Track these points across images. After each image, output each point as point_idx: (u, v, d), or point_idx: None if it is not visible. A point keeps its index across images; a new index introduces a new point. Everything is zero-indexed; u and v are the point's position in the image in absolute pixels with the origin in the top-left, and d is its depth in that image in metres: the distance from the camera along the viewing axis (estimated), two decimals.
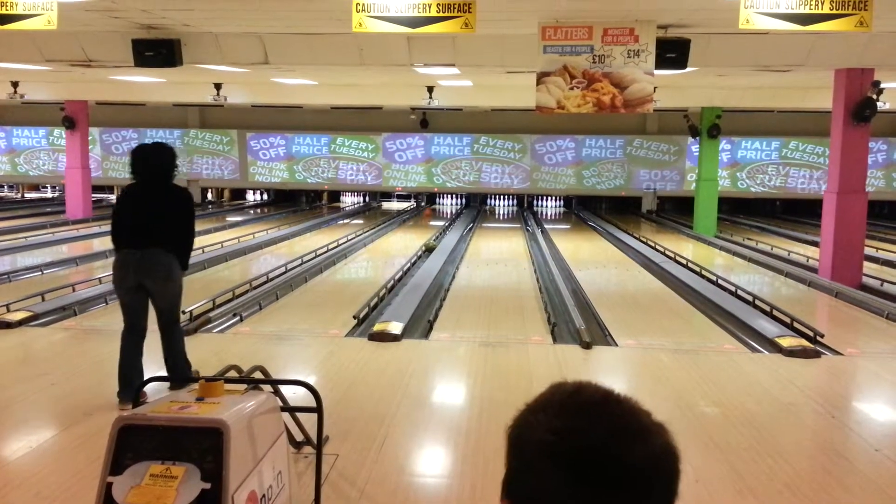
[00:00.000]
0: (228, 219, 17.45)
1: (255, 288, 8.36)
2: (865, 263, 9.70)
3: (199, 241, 12.42)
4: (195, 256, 10.96)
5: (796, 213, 19.05)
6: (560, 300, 8.07)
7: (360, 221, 17.21)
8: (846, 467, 4.00)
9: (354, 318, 6.95)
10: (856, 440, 4.42)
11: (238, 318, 7.03)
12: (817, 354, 6.01)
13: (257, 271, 9.51)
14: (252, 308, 7.43)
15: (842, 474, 3.90)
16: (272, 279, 8.96)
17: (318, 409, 2.94)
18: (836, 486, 3.74)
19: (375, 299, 7.82)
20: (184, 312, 6.63)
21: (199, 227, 16.15)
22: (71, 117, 15.60)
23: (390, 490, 3.52)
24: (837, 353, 6.19)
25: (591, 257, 11.97)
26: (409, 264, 10.50)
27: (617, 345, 6.39)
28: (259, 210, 20.29)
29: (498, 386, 5.18)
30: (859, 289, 8.91)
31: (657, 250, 12.40)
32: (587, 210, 20.06)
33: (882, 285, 9.05)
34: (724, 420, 4.56)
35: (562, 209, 21.01)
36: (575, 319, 6.94)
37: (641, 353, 6.14)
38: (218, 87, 13.42)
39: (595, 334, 6.58)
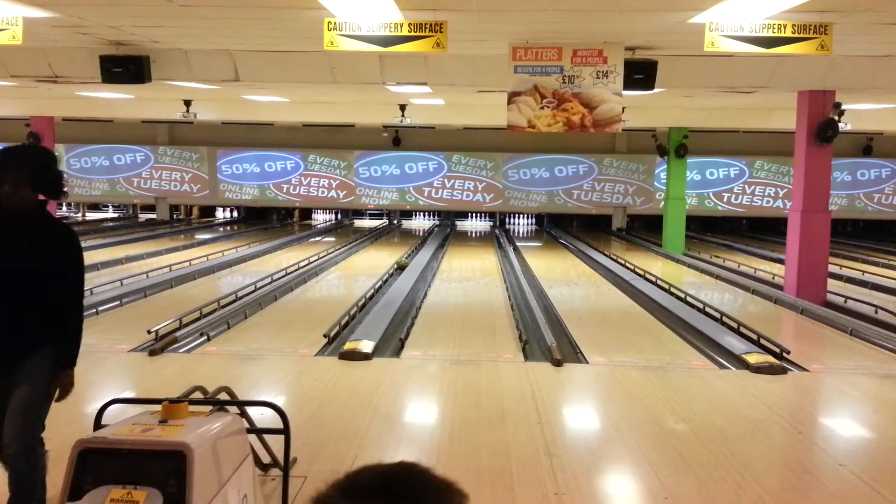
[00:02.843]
0: (197, 236, 17.23)
1: (224, 307, 8.24)
2: (830, 280, 9.89)
3: (167, 259, 12.40)
4: (159, 276, 10.92)
5: (762, 230, 19.40)
6: (531, 318, 8.09)
7: (332, 239, 17.12)
8: (812, 483, 4.04)
9: (325, 336, 6.88)
10: (821, 456, 4.48)
11: (205, 337, 6.91)
12: (784, 371, 6.09)
13: (226, 290, 9.39)
14: (220, 327, 7.32)
15: (808, 490, 3.94)
16: (241, 297, 8.85)
17: (285, 431, 2.90)
18: (802, 502, 3.77)
19: (346, 318, 7.76)
20: (149, 332, 6.54)
21: (167, 244, 16.02)
22: (37, 133, 15.33)
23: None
24: (803, 369, 6.28)
25: (562, 275, 12.04)
26: (380, 282, 10.45)
27: (588, 362, 6.41)
28: (229, 227, 20.08)
29: (469, 404, 5.16)
30: (824, 306, 9.08)
31: (627, 268, 12.53)
32: (559, 228, 20.22)
33: (846, 302, 9.23)
34: (693, 436, 4.58)
35: (534, 227, 21.15)
36: (546, 337, 6.96)
37: (612, 370, 6.17)
38: (188, 103, 13.31)
39: (566, 352, 6.60)
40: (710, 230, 19.62)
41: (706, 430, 4.70)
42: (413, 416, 5.11)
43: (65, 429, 4.21)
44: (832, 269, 10.56)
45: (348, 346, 6.40)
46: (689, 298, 9.48)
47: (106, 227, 19.07)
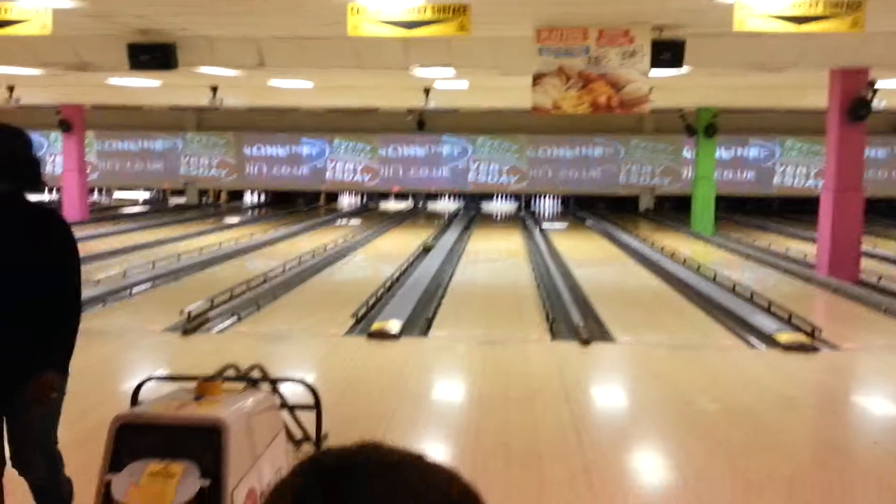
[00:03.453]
0: (226, 220, 17.44)
1: (253, 288, 8.35)
2: (863, 259, 9.72)
3: (197, 243, 12.58)
4: (190, 259, 11.11)
5: (794, 210, 19.08)
6: (558, 298, 8.08)
7: (358, 222, 17.21)
8: (845, 461, 4.01)
9: (353, 316, 6.95)
10: (854, 434, 4.43)
11: (236, 317, 7.03)
12: (815, 350, 6.02)
13: (255, 272, 9.50)
14: (250, 308, 7.43)
15: (840, 468, 3.91)
16: (270, 279, 8.96)
17: (316, 407, 2.95)
18: (835, 480, 3.75)
19: (374, 298, 7.82)
20: (182, 313, 6.65)
21: (196, 228, 16.26)
22: (67, 121, 15.58)
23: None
24: (835, 348, 6.20)
25: (589, 255, 11.97)
26: (406, 264, 10.50)
27: (615, 341, 6.40)
28: (256, 211, 20.27)
29: (497, 383, 5.18)
30: (857, 284, 8.93)
31: (655, 248, 12.42)
32: (585, 209, 20.08)
33: (879, 280, 9.06)
34: (724, 416, 4.56)
35: (560, 209, 21.03)
36: (573, 317, 6.95)
37: (640, 349, 6.14)
38: (214, 90, 13.40)
39: (593, 331, 6.58)
40: (741, 210, 19.33)
41: (736, 409, 4.67)
42: (441, 395, 5.15)
43: (102, 406, 4.32)
44: (866, 247, 10.37)
45: (376, 326, 6.45)
46: (718, 278, 9.38)
47: (137, 212, 19.39)
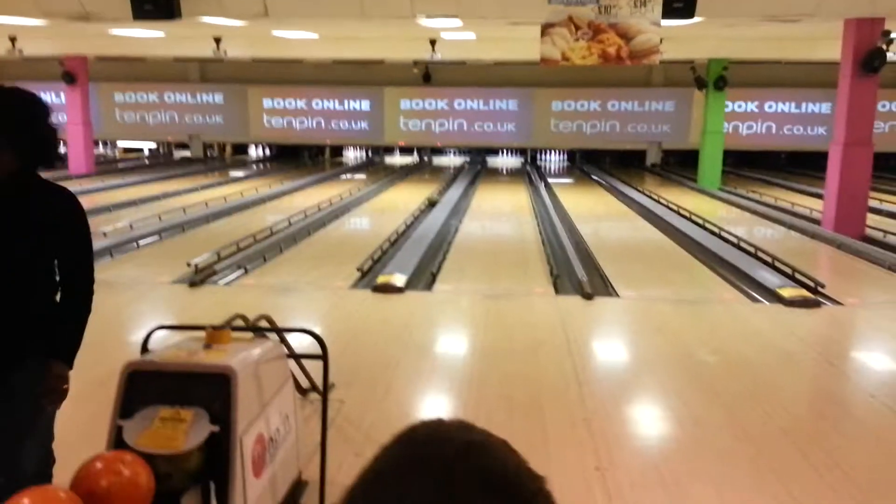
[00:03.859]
0: (231, 174, 17.42)
1: (260, 241, 8.40)
2: (869, 215, 9.68)
3: (203, 196, 12.61)
4: (196, 212, 11.13)
5: (802, 165, 18.91)
6: (563, 253, 8.10)
7: (363, 176, 17.16)
8: (841, 413, 4.08)
9: (358, 270, 7.00)
10: (852, 387, 4.49)
11: (243, 270, 7.09)
12: (818, 304, 6.05)
13: (261, 225, 9.53)
14: (256, 261, 7.48)
15: (837, 419, 3.98)
16: (276, 233, 9.00)
17: (323, 357, 3.00)
18: (831, 431, 3.81)
19: (379, 252, 7.86)
20: (189, 265, 6.71)
21: (202, 181, 16.27)
22: (70, 72, 15.45)
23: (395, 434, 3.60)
24: (838, 303, 6.23)
25: (594, 211, 11.95)
26: (411, 218, 10.51)
27: (619, 296, 6.44)
28: (261, 165, 20.22)
29: (500, 336, 5.25)
30: (863, 240, 8.91)
31: (661, 203, 12.38)
32: (591, 164, 19.95)
33: (885, 237, 9.04)
34: (724, 368, 4.62)
35: (566, 163, 20.89)
36: (577, 271, 6.98)
37: (643, 303, 6.19)
38: (218, 41, 13.23)
39: (597, 286, 6.62)
40: (748, 165, 19.17)
41: (736, 361, 4.73)
42: (445, 347, 5.22)
43: (112, 355, 4.40)
44: (872, 203, 10.32)
45: (381, 279, 6.51)
46: (723, 233, 9.37)
47: (143, 165, 19.36)
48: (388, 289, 6.32)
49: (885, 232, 9.26)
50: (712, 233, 9.54)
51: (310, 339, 3.13)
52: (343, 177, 17.09)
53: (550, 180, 16.35)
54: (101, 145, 21.44)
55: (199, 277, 6.55)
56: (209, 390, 2.41)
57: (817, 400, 4.33)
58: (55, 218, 2.22)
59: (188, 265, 6.76)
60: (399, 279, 6.53)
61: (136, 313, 5.64)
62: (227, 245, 7.81)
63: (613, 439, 3.56)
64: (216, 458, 2.33)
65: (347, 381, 4.21)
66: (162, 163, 20.05)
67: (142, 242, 8.34)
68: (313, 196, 12.87)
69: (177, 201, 11.71)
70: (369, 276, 6.91)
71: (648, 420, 4.01)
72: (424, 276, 7.00)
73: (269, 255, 7.77)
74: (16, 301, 2.21)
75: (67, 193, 2.28)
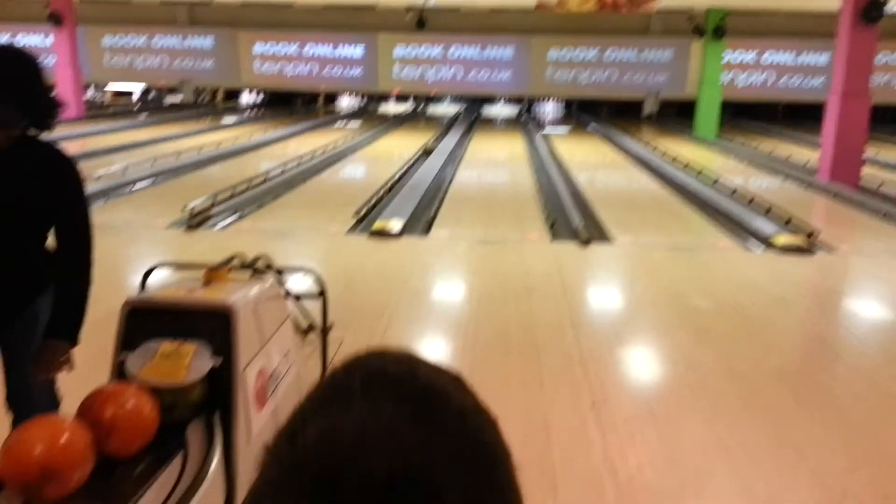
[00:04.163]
0: (223, 120, 17.20)
1: (254, 187, 8.35)
2: (865, 167, 9.67)
3: (195, 141, 12.48)
4: (189, 157, 11.03)
5: (799, 116, 18.80)
6: (558, 201, 8.10)
7: (357, 124, 16.98)
8: (831, 356, 4.15)
9: (354, 216, 6.99)
10: (843, 332, 4.56)
11: (238, 215, 7.07)
12: (811, 252, 6.10)
13: (255, 171, 9.47)
14: (252, 206, 7.46)
15: (827, 362, 4.05)
16: (271, 179, 8.94)
17: (322, 296, 3.02)
18: (821, 373, 3.89)
19: (375, 198, 7.83)
20: (184, 209, 6.68)
21: (194, 127, 16.07)
22: (57, 14, 15.07)
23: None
24: (832, 251, 6.28)
25: (590, 160, 11.91)
26: (407, 166, 10.45)
27: (614, 243, 6.46)
28: (254, 111, 19.95)
29: (496, 281, 5.28)
30: (857, 190, 8.94)
31: (657, 153, 12.33)
32: (588, 113, 19.78)
33: (880, 187, 9.06)
34: (717, 313, 4.68)
35: (562, 113, 20.71)
36: (573, 219, 6.99)
37: (637, 250, 6.22)
38: None
39: (593, 233, 6.64)
40: (745, 115, 19.04)
41: (730, 307, 4.79)
42: (442, 291, 5.25)
43: (111, 294, 4.40)
44: (868, 153, 10.30)
45: (377, 224, 6.50)
46: (719, 182, 9.37)
47: (133, 110, 19.08)
48: (384, 234, 6.32)
49: (881, 182, 9.28)
50: (708, 182, 9.53)
51: (307, 281, 3.15)
52: (337, 124, 16.91)
53: (546, 130, 16.22)
54: (90, 90, 21.06)
55: (195, 221, 6.53)
56: (210, 326, 2.43)
57: (809, 344, 4.40)
58: (54, 181, 2.10)
59: (183, 209, 6.73)
60: (395, 225, 6.53)
61: (133, 255, 5.64)
62: (222, 190, 7.77)
63: (607, 379, 3.62)
64: (219, 391, 2.37)
65: (345, 322, 4.24)
66: (153, 108, 19.76)
67: (136, 187, 8.28)
68: (307, 143, 12.74)
69: (169, 146, 11.58)
70: (365, 222, 6.90)
71: (642, 361, 4.07)
72: (420, 223, 7.00)
73: (264, 201, 7.74)
74: (17, 251, 2.15)
75: (63, 156, 2.13)
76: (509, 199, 8.47)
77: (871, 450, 2.99)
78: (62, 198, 2.11)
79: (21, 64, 1.99)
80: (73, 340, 2.18)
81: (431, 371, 0.52)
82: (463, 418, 0.49)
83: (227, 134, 13.50)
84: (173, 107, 19.92)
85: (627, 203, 8.46)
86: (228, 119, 17.47)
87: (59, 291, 2.17)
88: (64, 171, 2.11)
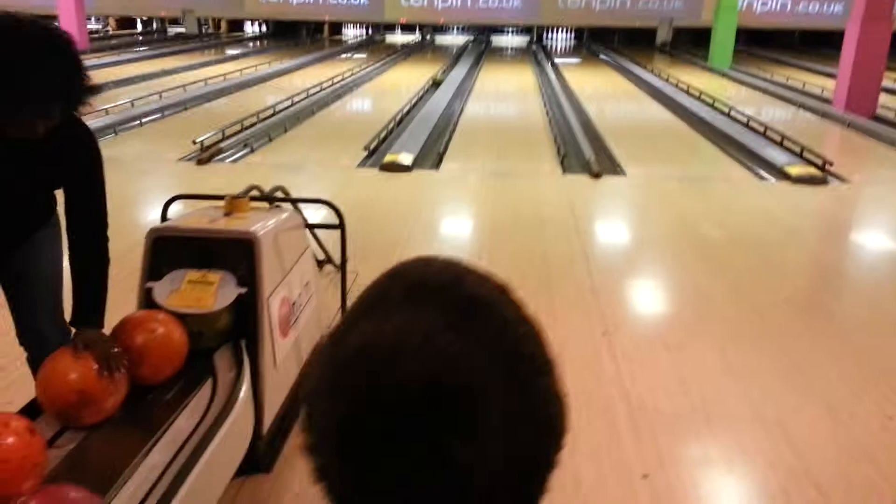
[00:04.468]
0: (228, 51, 16.91)
1: (263, 120, 8.29)
2: (882, 95, 9.50)
3: (201, 74, 12.31)
4: (196, 90, 10.88)
5: (815, 44, 18.33)
6: (570, 133, 8.02)
7: (364, 55, 16.67)
8: (843, 284, 4.20)
9: (365, 149, 6.96)
10: (854, 260, 4.60)
11: (249, 149, 7.05)
12: (825, 182, 6.07)
13: (263, 104, 9.38)
14: (262, 140, 7.43)
15: (838, 290, 4.11)
16: (279, 112, 8.87)
17: (341, 226, 3.06)
18: (831, 301, 3.95)
19: (384, 132, 7.78)
20: (195, 142, 6.68)
21: (198, 59, 15.80)
22: None
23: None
24: (845, 181, 6.24)
25: (602, 91, 11.72)
26: (416, 98, 10.32)
27: (626, 174, 6.44)
28: (258, 43, 19.58)
29: (508, 213, 5.29)
30: (873, 120, 8.80)
31: (670, 83, 12.11)
32: (599, 43, 19.32)
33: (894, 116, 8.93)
34: (729, 242, 4.70)
35: (573, 42, 20.24)
36: (584, 151, 6.95)
37: (650, 181, 6.21)
38: None
39: (604, 165, 6.61)
40: (761, 44, 18.57)
41: (742, 236, 4.81)
42: (454, 223, 5.29)
43: (129, 227, 4.46)
44: (886, 83, 10.10)
45: (388, 158, 6.48)
46: (732, 112, 9.24)
47: (137, 41, 18.76)
48: (395, 167, 6.31)
49: None
50: (722, 112, 9.40)
51: (322, 213, 3.18)
52: (343, 56, 16.61)
53: (557, 60, 15.90)
54: (92, 21, 20.68)
55: (206, 155, 6.53)
56: (234, 255, 2.47)
57: (820, 273, 4.44)
58: (76, 154, 2.00)
59: (194, 143, 6.71)
60: (406, 158, 6.51)
61: (147, 188, 5.68)
62: (231, 123, 7.72)
63: (619, 307, 3.69)
64: (244, 319, 2.43)
65: (360, 255, 4.28)
66: (156, 39, 19.42)
67: (144, 120, 8.24)
68: (314, 75, 12.56)
69: (175, 79, 11.44)
70: (376, 156, 6.88)
71: (653, 290, 4.12)
72: (431, 156, 6.97)
73: (273, 134, 7.70)
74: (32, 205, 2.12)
75: (86, 130, 2.02)
76: (520, 132, 8.40)
77: (878, 375, 3.06)
78: (83, 178, 2.04)
79: (66, 59, 1.78)
80: (101, 325, 2.10)
81: (476, 280, 0.52)
82: (504, 329, 0.50)
83: (233, 66, 13.31)
84: (177, 38, 19.56)
85: (639, 134, 8.37)
86: (233, 51, 17.18)
87: (80, 276, 2.08)
88: (88, 153, 2.03)
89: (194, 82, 10.98)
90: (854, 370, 3.09)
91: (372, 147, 7.08)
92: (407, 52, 17.45)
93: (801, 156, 6.88)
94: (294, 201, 3.26)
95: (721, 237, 4.80)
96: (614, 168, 6.65)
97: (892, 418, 2.75)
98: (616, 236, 5.04)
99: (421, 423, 0.44)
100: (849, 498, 2.30)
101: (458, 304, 0.49)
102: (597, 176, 6.19)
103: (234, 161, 6.70)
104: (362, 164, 6.68)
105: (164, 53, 15.48)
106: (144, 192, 5.50)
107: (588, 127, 8.42)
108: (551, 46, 19.45)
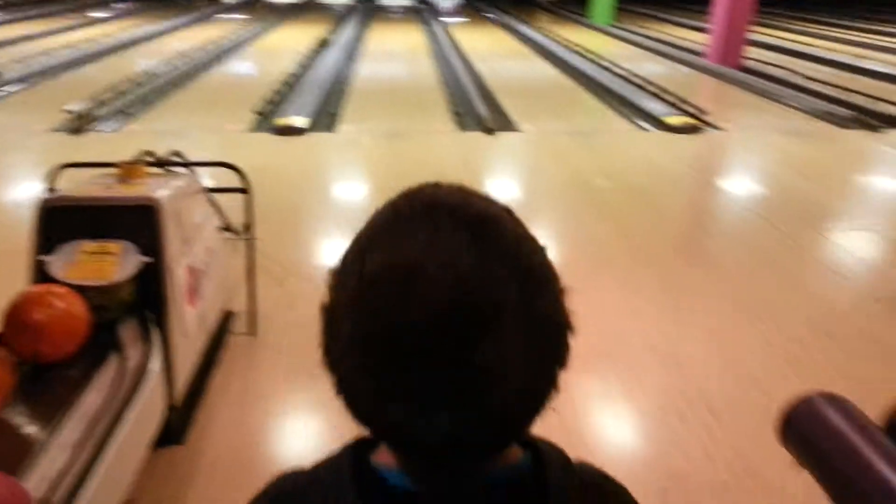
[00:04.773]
0: (91, 14, 15.75)
1: (141, 86, 7.85)
2: (752, 48, 10.15)
3: (67, 38, 11.43)
4: (64, 56, 10.08)
5: (690, 0, 19.18)
6: (462, 91, 8.09)
7: (242, 16, 15.98)
8: (718, 222, 4.56)
9: (255, 112, 6.76)
10: (728, 202, 4.98)
11: (128, 116, 6.68)
12: (699, 131, 6.48)
13: (139, 68, 8.86)
14: (140, 106, 7.04)
15: (713, 227, 4.47)
16: (157, 76, 8.42)
17: (245, 190, 3.00)
18: (707, 239, 4.28)
19: (273, 94, 7.57)
20: (66, 111, 6.26)
21: (63, 23, 14.56)
22: None
23: (312, 267, 3.74)
24: (719, 128, 6.68)
25: (491, 49, 11.83)
26: (304, 60, 10.06)
27: (519, 131, 6.60)
28: (127, 3, 18.33)
29: (406, 172, 5.32)
30: (742, 71, 9.41)
31: (554, 40, 12.40)
32: (484, 2, 19.41)
33: (762, 67, 9.58)
34: (618, 191, 4.96)
35: (459, 1, 20.21)
36: (478, 108, 7.05)
37: (542, 136, 6.40)
38: None
39: (499, 122, 6.74)
40: (640, 1, 19.24)
41: (629, 185, 5.08)
42: (353, 185, 5.27)
43: (5, 200, 4.19)
44: (757, 37, 10.78)
45: (281, 121, 6.34)
46: (614, 68, 9.60)
47: None
48: (289, 131, 6.18)
49: (763, 63, 9.80)
50: (604, 67, 9.75)
51: (219, 178, 3.09)
52: (219, 16, 15.86)
53: (444, 19, 15.88)
54: None
55: (79, 125, 6.13)
56: (134, 223, 2.37)
57: (698, 214, 4.79)
58: None
59: (64, 111, 6.28)
60: (300, 121, 6.38)
61: (16, 162, 5.28)
62: (105, 90, 7.27)
63: None
64: (149, 289, 2.35)
65: (258, 220, 4.21)
66: (14, 2, 17.78)
67: (7, 90, 7.61)
68: (190, 37, 11.95)
69: (39, 44, 10.58)
70: (267, 119, 6.69)
71: (550, 240, 4.29)
72: (325, 118, 6.86)
73: (153, 100, 7.32)
74: None
75: None
76: (413, 91, 8.39)
77: (755, 305, 3.37)
78: None
79: None
80: None
81: (485, 201, 0.56)
82: (518, 243, 0.54)
83: (99, 30, 12.45)
84: (38, 0, 17.98)
85: (530, 91, 8.57)
86: (100, 13, 16.02)
87: None
88: None
89: (60, 48, 10.20)
90: (734, 302, 3.38)
91: (262, 110, 6.88)
92: (289, 12, 16.87)
93: (677, 107, 7.28)
94: (194, 165, 3.14)
95: (609, 187, 5.05)
96: (507, 125, 6.79)
97: (770, 343, 3.04)
98: (511, 190, 5.19)
99: (451, 332, 0.48)
100: (737, 416, 2.55)
101: (473, 222, 0.52)
102: (491, 132, 6.31)
103: (114, 130, 6.33)
104: (255, 128, 6.49)
105: (24, 18, 14.24)
106: (16, 168, 5.12)
107: (480, 85, 8.52)
108: (438, 4, 19.36)
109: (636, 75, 8.91)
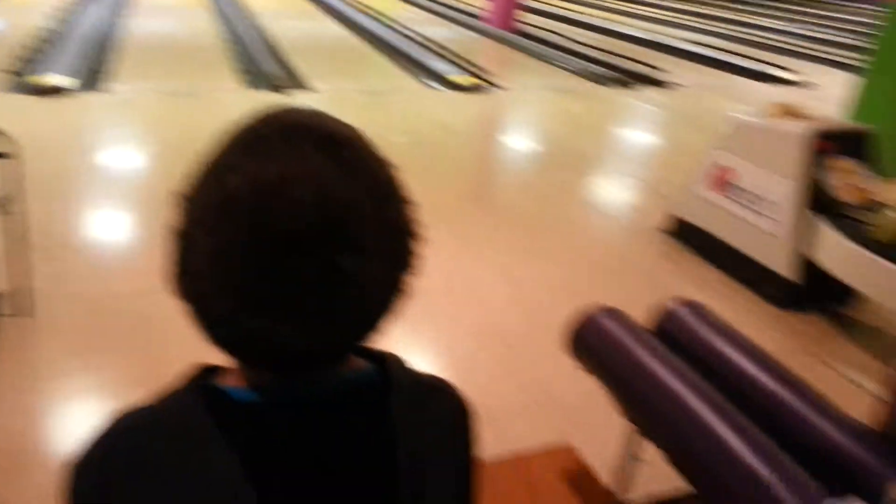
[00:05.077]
0: None
1: None
2: (531, 16, 10.82)
3: None
4: None
5: None
6: (249, 50, 7.77)
7: None
8: (500, 169, 4.91)
9: (9, 72, 5.98)
10: (510, 153, 5.35)
11: None
12: (484, 89, 6.83)
13: None
14: None
15: (496, 177, 4.79)
16: None
17: (12, 155, 2.67)
18: (492, 185, 4.57)
19: (28, 52, 6.73)
20: None
21: None
22: None
23: (85, 239, 3.46)
24: (500, 88, 7.09)
25: (278, 8, 11.43)
26: (62, 14, 9.02)
27: (312, 90, 6.50)
28: None
29: (190, 133, 5.02)
30: (520, 35, 10.02)
31: (346, 2, 12.28)
32: None
33: (537, 31, 10.27)
34: (411, 146, 5.10)
35: None
36: (268, 67, 6.82)
37: (335, 95, 6.36)
38: None
39: (290, 81, 6.58)
40: None
41: (422, 141, 5.26)
42: (129, 149, 4.86)
43: None
44: (534, 4, 11.48)
45: (42, 80, 5.67)
46: (405, 31, 9.76)
47: None
48: (52, 91, 5.55)
49: (538, 27, 10.50)
50: (395, 30, 9.86)
51: None
52: None
53: None
54: None
55: None
56: None
57: (483, 163, 5.12)
58: None
59: None
60: (65, 80, 5.76)
61: None
62: None
63: None
64: None
65: (22, 191, 3.78)
66: None
67: None
68: None
69: None
70: (24, 79, 5.95)
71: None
72: (93, 77, 6.25)
73: None
74: None
75: None
76: (195, 50, 7.90)
77: (536, 245, 3.69)
78: None
79: None
80: None
81: (338, 122, 0.59)
82: (372, 160, 0.58)
83: None
84: None
85: (321, 51, 8.45)
86: None
87: None
88: None
89: None
90: (520, 244, 3.67)
91: (17, 69, 6.10)
92: None
93: (463, 68, 7.61)
94: None
95: (404, 143, 5.18)
96: (300, 84, 6.66)
97: (550, 280, 3.35)
98: None
99: (316, 240, 0.50)
100: (529, 346, 2.80)
101: (330, 141, 0.54)
102: (281, 90, 6.16)
103: None
104: (11, 89, 5.75)
105: None
106: None
107: (268, 43, 8.23)
108: None
109: (423, 37, 9.13)
